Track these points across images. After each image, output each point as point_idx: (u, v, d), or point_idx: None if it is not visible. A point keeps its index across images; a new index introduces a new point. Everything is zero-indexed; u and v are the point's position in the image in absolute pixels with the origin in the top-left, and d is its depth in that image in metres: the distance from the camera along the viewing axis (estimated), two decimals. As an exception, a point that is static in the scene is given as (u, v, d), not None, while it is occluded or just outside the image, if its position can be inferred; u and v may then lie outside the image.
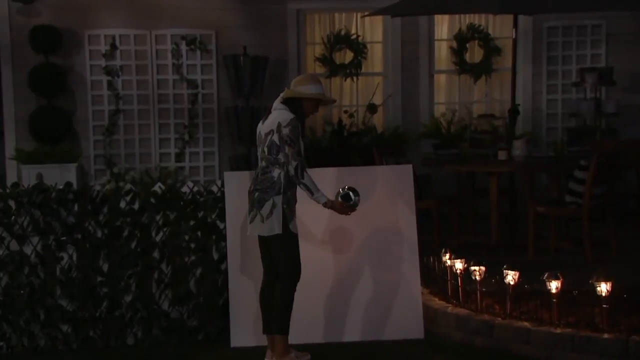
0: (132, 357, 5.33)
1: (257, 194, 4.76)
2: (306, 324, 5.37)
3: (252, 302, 5.35)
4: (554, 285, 5.05)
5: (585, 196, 6.69)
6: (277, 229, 4.71)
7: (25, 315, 5.44)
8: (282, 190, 4.71)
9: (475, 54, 9.74)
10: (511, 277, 5.24)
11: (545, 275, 5.10)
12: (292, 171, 4.65)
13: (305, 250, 5.35)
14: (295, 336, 5.25)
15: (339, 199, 4.83)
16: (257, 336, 5.30)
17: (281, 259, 4.81)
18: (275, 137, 4.71)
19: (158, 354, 5.36)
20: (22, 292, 5.43)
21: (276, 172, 4.72)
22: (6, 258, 5.43)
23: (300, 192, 4.83)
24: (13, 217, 5.45)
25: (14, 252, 5.44)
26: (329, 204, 4.77)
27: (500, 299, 5.38)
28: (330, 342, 5.39)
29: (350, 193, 4.84)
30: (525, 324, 5.12)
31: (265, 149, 4.77)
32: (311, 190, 4.70)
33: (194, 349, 5.42)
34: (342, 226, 5.46)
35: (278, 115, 4.74)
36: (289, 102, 4.78)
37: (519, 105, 8.21)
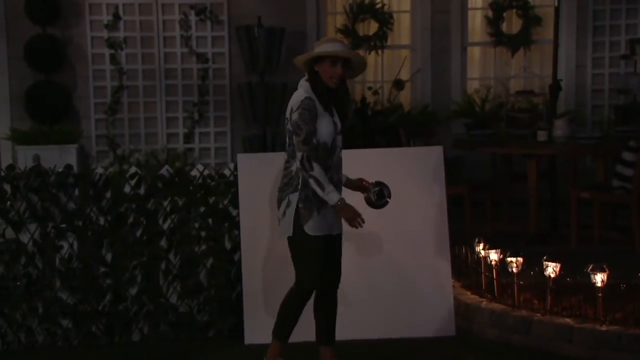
0: (138, 354, 5.37)
1: (278, 192, 4.60)
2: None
3: (268, 295, 5.38)
4: (599, 279, 5.03)
5: (634, 180, 6.64)
6: (288, 231, 4.53)
7: (22, 309, 5.49)
8: (299, 187, 4.48)
9: (512, 24, 9.67)
10: (552, 269, 5.23)
11: (590, 268, 5.07)
12: (298, 164, 4.44)
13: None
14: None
15: (373, 196, 4.62)
16: (273, 333, 5.33)
17: (295, 264, 4.60)
18: (289, 126, 4.51)
19: (165, 351, 5.40)
20: (18, 283, 5.48)
21: (294, 166, 4.52)
22: (1, 246, 5.48)
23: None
24: (8, 202, 5.49)
25: (9, 241, 5.49)
26: (341, 205, 4.43)
27: (539, 293, 5.36)
28: (356, 339, 5.39)
29: (385, 191, 4.64)
30: (568, 320, 5.10)
31: (287, 140, 4.55)
32: (322, 185, 4.40)
33: (205, 345, 5.45)
34: (365, 213, 5.45)
35: (294, 96, 4.55)
36: (308, 74, 4.58)
37: (561, 80, 8.15)
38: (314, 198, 4.47)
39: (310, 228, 4.49)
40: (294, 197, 4.49)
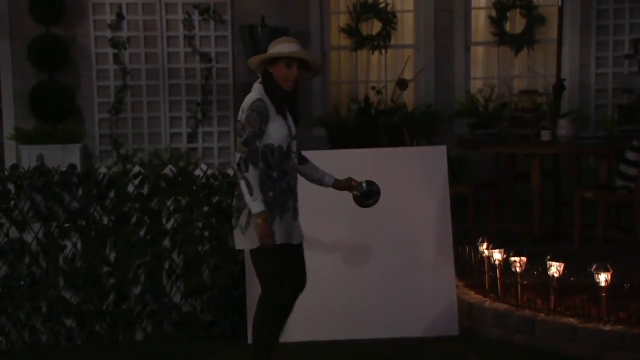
0: (141, 353, 5.37)
1: (234, 200, 4.37)
2: (331, 319, 5.39)
3: (271, 295, 5.38)
4: (602, 278, 5.02)
5: (638, 180, 6.63)
6: (254, 243, 4.25)
7: (26, 308, 5.49)
8: None
9: (516, 23, 9.67)
10: (555, 268, 5.22)
11: (593, 267, 5.07)
12: (235, 164, 4.20)
13: (329, 240, 5.36)
14: (320, 333, 5.28)
15: (360, 195, 4.52)
16: (276, 332, 5.34)
17: (260, 277, 4.37)
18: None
19: (169, 351, 5.40)
20: (22, 283, 5.48)
21: (250, 172, 4.21)
22: (5, 246, 5.48)
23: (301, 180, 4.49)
24: (12, 201, 5.50)
25: (13, 240, 5.49)
26: (260, 218, 4.13)
27: (543, 292, 5.36)
28: (357, 338, 5.40)
29: (373, 189, 4.52)
30: (571, 320, 5.10)
31: None
32: (252, 190, 4.12)
33: (208, 345, 5.46)
34: (368, 214, 5.45)
35: (246, 98, 4.34)
36: (262, 76, 4.35)
37: (564, 80, 8.15)
38: (275, 204, 4.25)
39: (281, 235, 4.25)
40: None
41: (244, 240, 4.31)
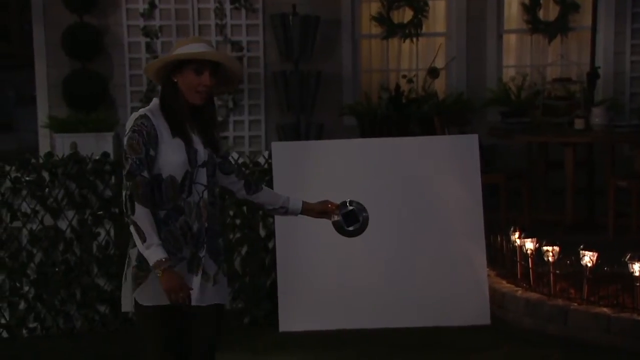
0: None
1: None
2: (361, 308, 5.40)
3: (302, 283, 5.40)
4: (637, 268, 4.98)
5: (673, 169, 6.56)
6: (125, 304, 3.33)
7: (61, 295, 5.56)
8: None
9: (549, 10, 9.56)
10: (589, 258, 5.18)
11: (628, 257, 5.03)
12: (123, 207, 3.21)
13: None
14: (350, 321, 5.28)
15: (342, 220, 3.52)
16: (307, 320, 5.35)
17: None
18: None
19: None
20: (57, 269, 5.55)
21: None
22: (40, 233, 5.55)
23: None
24: (47, 189, 5.56)
25: (48, 227, 5.56)
26: (161, 267, 3.10)
27: (576, 282, 5.32)
28: (388, 327, 5.40)
29: (357, 212, 3.52)
30: (605, 310, 5.06)
31: None
32: (142, 235, 3.13)
33: (239, 333, 5.48)
34: (400, 202, 5.45)
35: (132, 115, 3.31)
36: (162, 86, 3.32)
37: (598, 68, 8.06)
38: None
39: (142, 295, 3.21)
40: (133, 253, 3.24)
41: (126, 297, 3.33)
